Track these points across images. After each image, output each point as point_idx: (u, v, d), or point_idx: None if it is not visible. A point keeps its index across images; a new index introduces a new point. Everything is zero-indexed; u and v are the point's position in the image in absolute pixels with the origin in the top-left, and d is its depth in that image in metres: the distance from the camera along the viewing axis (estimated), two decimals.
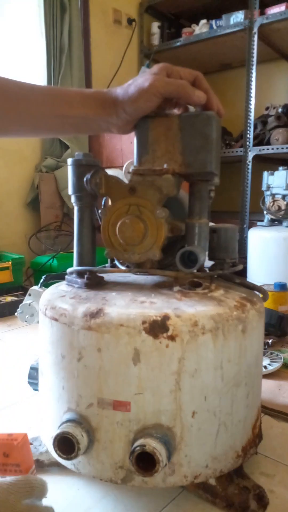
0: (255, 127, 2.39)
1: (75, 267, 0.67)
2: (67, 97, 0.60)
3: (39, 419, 0.67)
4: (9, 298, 1.73)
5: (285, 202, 1.91)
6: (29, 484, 0.48)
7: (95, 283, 0.64)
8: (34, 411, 0.87)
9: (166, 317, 0.53)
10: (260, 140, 2.36)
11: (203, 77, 0.60)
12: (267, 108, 2.46)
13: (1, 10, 2.08)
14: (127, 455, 0.54)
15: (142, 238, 0.60)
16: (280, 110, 2.37)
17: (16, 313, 1.05)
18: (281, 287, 1.35)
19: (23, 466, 0.54)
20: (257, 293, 0.68)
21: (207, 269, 0.66)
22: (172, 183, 0.59)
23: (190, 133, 0.59)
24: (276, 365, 1.02)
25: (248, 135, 2.36)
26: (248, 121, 2.36)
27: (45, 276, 0.93)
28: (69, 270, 0.67)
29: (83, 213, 0.66)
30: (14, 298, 1.73)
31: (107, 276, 0.70)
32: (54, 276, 0.90)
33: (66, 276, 0.68)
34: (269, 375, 1.00)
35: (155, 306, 0.56)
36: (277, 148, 2.24)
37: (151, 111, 0.59)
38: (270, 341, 1.17)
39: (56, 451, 0.54)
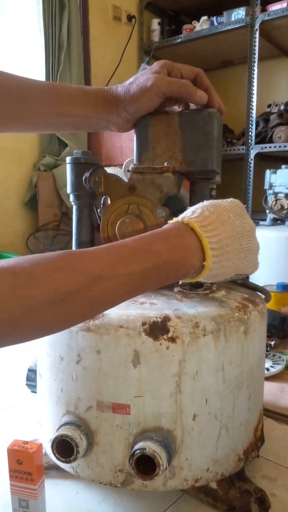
0: (257, 124, 2.38)
1: None
2: (68, 95, 0.59)
3: (38, 422, 0.66)
4: None
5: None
6: None
7: None
8: (32, 414, 0.86)
9: (166, 318, 0.52)
10: (262, 138, 2.35)
11: (204, 74, 0.59)
12: (269, 106, 2.45)
13: (0, 7, 2.07)
14: (126, 458, 0.53)
15: None
16: (282, 107, 2.36)
17: None
18: (283, 287, 1.34)
19: (34, 475, 0.53)
20: (259, 294, 0.67)
21: None
22: (172, 182, 0.58)
23: (191, 130, 0.58)
24: (278, 367, 1.01)
25: (250, 133, 2.35)
26: (250, 118, 2.35)
27: None
28: None
29: (82, 212, 0.65)
30: None
31: None
32: None
33: None
34: (272, 377, 0.99)
35: (155, 307, 0.55)
36: (280, 146, 2.23)
37: (152, 110, 0.58)
38: (272, 342, 1.16)
39: (55, 454, 0.53)
